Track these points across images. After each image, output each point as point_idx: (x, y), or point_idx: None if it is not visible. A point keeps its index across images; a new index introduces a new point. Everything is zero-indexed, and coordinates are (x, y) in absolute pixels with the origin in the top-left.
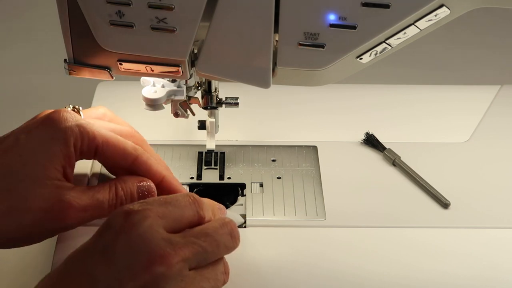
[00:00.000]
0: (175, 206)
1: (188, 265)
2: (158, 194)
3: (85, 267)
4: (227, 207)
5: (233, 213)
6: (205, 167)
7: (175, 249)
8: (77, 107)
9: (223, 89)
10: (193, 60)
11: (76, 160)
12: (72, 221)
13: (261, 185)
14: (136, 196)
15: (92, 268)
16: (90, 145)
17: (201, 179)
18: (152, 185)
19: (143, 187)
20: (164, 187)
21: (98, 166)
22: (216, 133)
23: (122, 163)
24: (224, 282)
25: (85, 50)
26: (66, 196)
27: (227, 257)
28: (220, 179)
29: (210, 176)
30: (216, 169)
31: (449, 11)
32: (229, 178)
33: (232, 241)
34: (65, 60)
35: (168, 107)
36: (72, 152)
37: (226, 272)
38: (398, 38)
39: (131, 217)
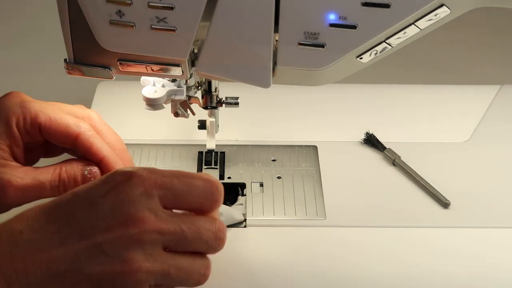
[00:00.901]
0: (186, 183)
1: (162, 241)
2: (101, 175)
3: (70, 207)
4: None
5: (234, 210)
6: (205, 167)
7: (155, 219)
8: None
9: (223, 89)
10: (193, 60)
11: (26, 140)
12: (11, 200)
13: (261, 185)
14: (80, 179)
15: (75, 210)
16: (33, 124)
17: None
18: (97, 170)
19: (88, 171)
20: (102, 168)
21: None
22: (216, 133)
23: (66, 141)
24: (198, 283)
25: (85, 50)
26: (6, 175)
27: (227, 257)
28: (220, 179)
29: None
30: (216, 168)
31: (449, 11)
32: (229, 177)
33: (216, 241)
34: (65, 59)
35: (168, 107)
36: (15, 132)
37: (204, 274)
38: (398, 38)
39: (129, 180)
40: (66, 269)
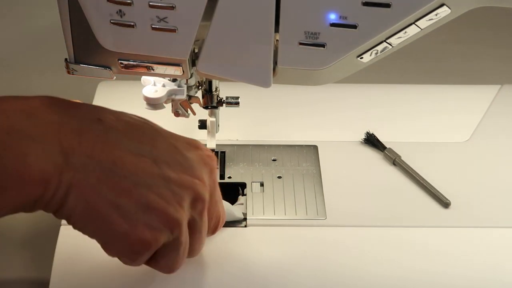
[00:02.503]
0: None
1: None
2: None
3: (155, 131)
4: None
5: (235, 208)
6: None
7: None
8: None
9: (224, 89)
10: (194, 60)
11: None
12: None
13: (262, 185)
14: None
15: (157, 137)
16: None
17: None
18: None
19: None
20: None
21: None
22: (216, 132)
23: None
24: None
25: (86, 49)
26: None
27: (227, 257)
28: (220, 179)
29: None
30: (217, 168)
31: (449, 10)
32: (229, 177)
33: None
34: (65, 59)
35: (168, 107)
36: None
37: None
38: (398, 38)
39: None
40: (129, 175)
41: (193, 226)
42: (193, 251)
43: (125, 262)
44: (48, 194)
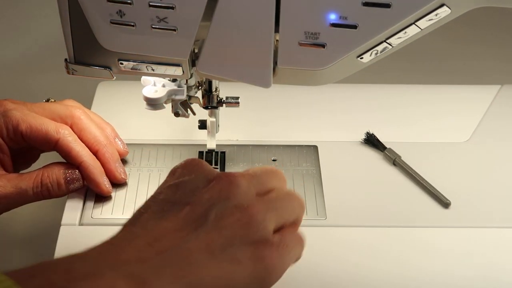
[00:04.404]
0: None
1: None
2: (81, 177)
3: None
4: None
5: None
6: None
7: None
8: (52, 99)
9: (224, 89)
10: (194, 60)
11: (15, 146)
12: None
13: None
14: (63, 182)
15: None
16: (16, 132)
17: None
18: (78, 172)
19: (69, 174)
20: (82, 171)
21: None
22: (216, 132)
23: (47, 146)
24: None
25: (86, 49)
26: None
27: None
28: None
29: None
30: (217, 168)
31: (449, 11)
32: None
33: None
34: (65, 59)
35: (168, 107)
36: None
37: (302, 206)
38: (398, 38)
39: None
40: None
41: None
42: None
43: None
44: None
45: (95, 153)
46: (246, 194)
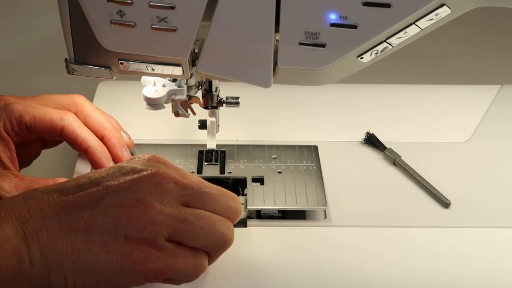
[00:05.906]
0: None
1: (180, 195)
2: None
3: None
4: None
5: None
6: (206, 163)
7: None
8: None
9: (224, 89)
10: (194, 60)
11: (20, 139)
12: None
13: (262, 184)
14: None
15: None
16: (20, 124)
17: (201, 174)
18: None
19: None
20: (88, 156)
21: None
22: (216, 132)
23: (53, 135)
24: (224, 240)
25: (86, 49)
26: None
27: (227, 257)
28: (220, 173)
29: (211, 171)
30: (217, 164)
31: (449, 11)
32: (229, 172)
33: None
34: (66, 59)
35: (168, 107)
36: (5, 136)
37: (225, 233)
38: (399, 38)
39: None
40: (83, 208)
41: None
42: None
43: None
44: (24, 264)
45: (101, 138)
46: (163, 194)
